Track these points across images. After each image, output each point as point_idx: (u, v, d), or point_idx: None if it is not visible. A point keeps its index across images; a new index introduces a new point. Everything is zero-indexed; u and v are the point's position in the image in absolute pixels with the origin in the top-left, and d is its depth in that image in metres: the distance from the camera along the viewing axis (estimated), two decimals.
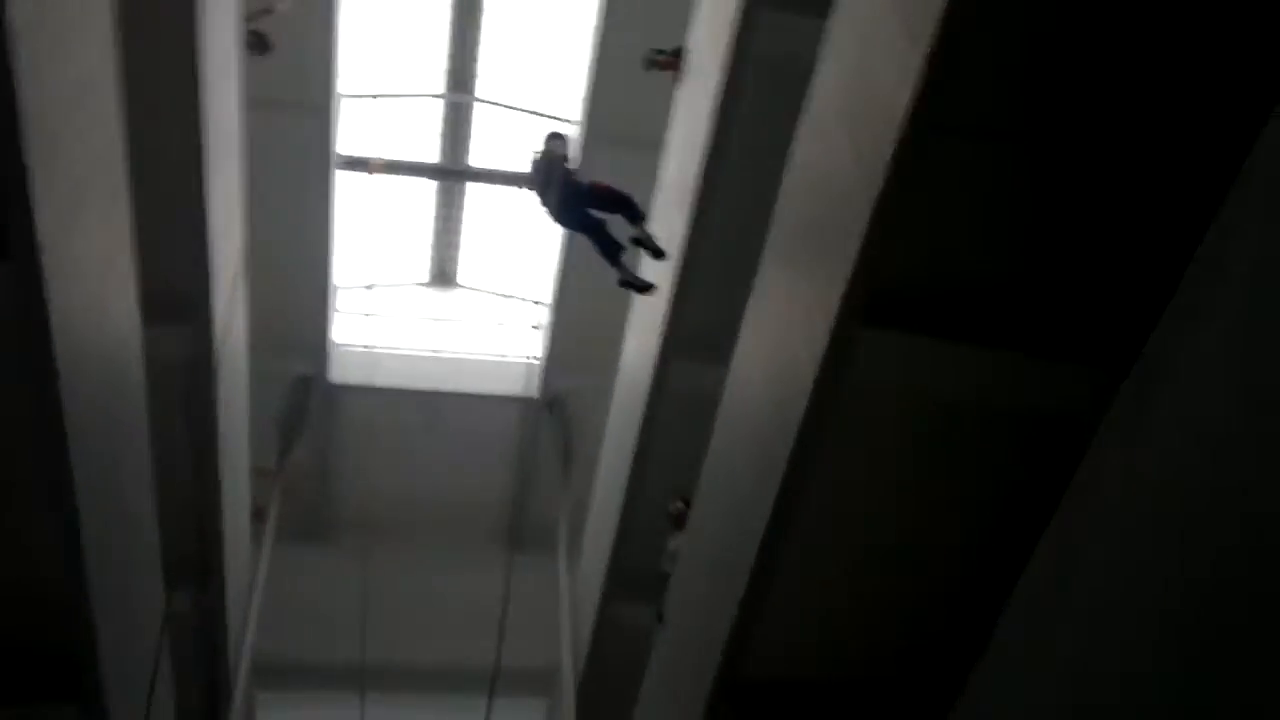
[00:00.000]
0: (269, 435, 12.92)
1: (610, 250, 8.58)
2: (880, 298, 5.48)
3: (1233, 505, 2.96)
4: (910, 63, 4.90)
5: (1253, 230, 3.19)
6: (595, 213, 8.63)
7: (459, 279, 14.50)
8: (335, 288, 12.93)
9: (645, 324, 10.41)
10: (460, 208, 13.87)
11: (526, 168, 9.04)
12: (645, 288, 8.84)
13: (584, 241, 10.46)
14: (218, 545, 9.95)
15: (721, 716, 6.70)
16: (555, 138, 8.96)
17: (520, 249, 14.07)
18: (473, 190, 13.74)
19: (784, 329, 6.35)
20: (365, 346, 13.67)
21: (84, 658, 6.37)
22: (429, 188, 13.69)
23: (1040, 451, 5.86)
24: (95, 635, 6.35)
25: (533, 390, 13.55)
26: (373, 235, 13.92)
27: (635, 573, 10.19)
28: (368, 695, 13.77)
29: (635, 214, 8.65)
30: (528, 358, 13.77)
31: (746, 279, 7.40)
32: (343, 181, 12.45)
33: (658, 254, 8.64)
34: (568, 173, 8.71)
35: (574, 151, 9.37)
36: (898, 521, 6.20)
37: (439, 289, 14.58)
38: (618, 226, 8.82)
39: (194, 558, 9.88)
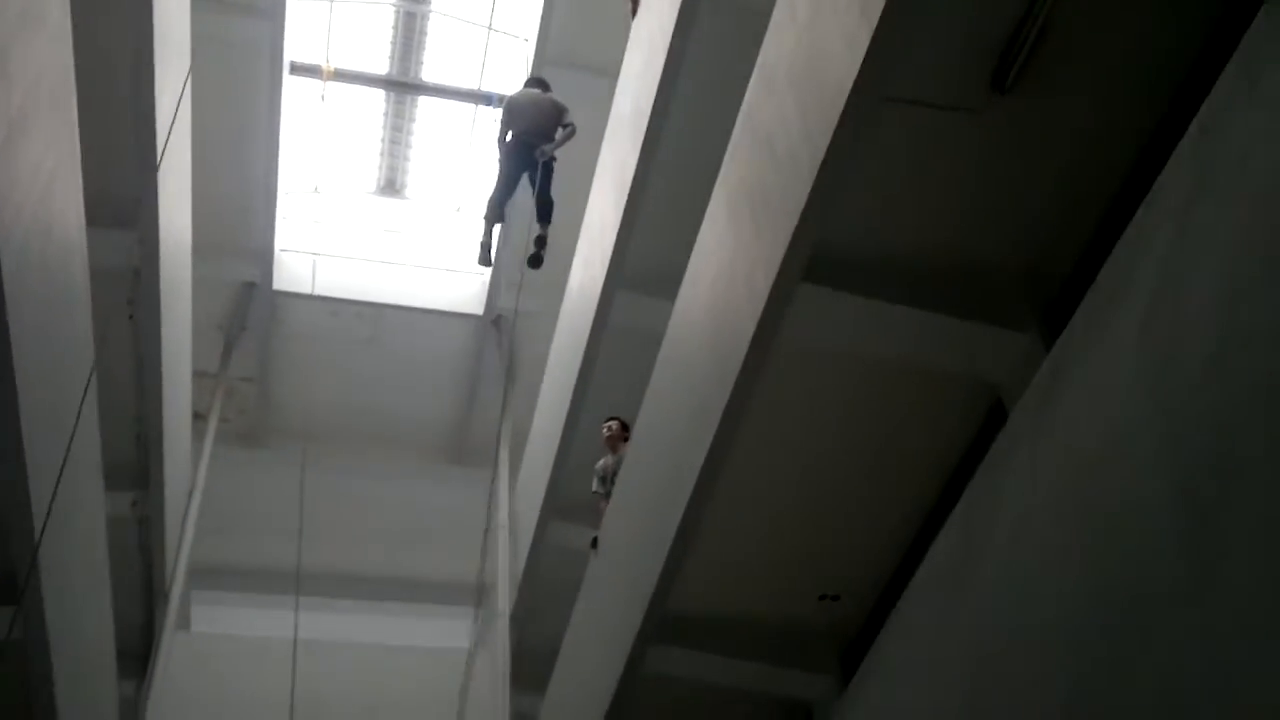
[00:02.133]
0: (212, 340, 12.92)
1: (542, 209, 9.36)
2: (821, 256, 5.64)
3: (1131, 493, 3.16)
4: (859, 36, 4.98)
5: (1169, 225, 3.35)
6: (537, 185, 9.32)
7: (407, 192, 14.42)
8: (281, 194, 12.80)
9: (592, 253, 10.49)
10: (411, 119, 13.74)
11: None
12: (536, 261, 9.50)
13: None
14: (158, 450, 10.02)
15: (650, 648, 6.97)
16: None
17: (471, 164, 14.00)
18: (425, 102, 13.60)
19: (727, 279, 6.49)
20: (311, 254, 13.59)
21: (20, 562, 6.47)
22: (379, 97, 13.54)
23: (968, 414, 6.13)
24: (34, 540, 6.45)
25: (478, 308, 13.63)
26: (321, 143, 13.76)
27: (572, 495, 10.40)
28: (303, 600, 14.03)
29: (548, 216, 9.37)
30: (476, 274, 13.78)
31: (695, 215, 7.50)
32: (292, 87, 12.27)
33: (537, 260, 9.37)
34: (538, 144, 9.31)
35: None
36: (825, 473, 6.45)
37: (388, 198, 14.50)
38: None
39: (134, 462, 9.96)
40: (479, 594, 12.75)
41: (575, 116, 10.08)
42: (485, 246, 9.47)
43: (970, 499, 4.31)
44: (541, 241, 9.31)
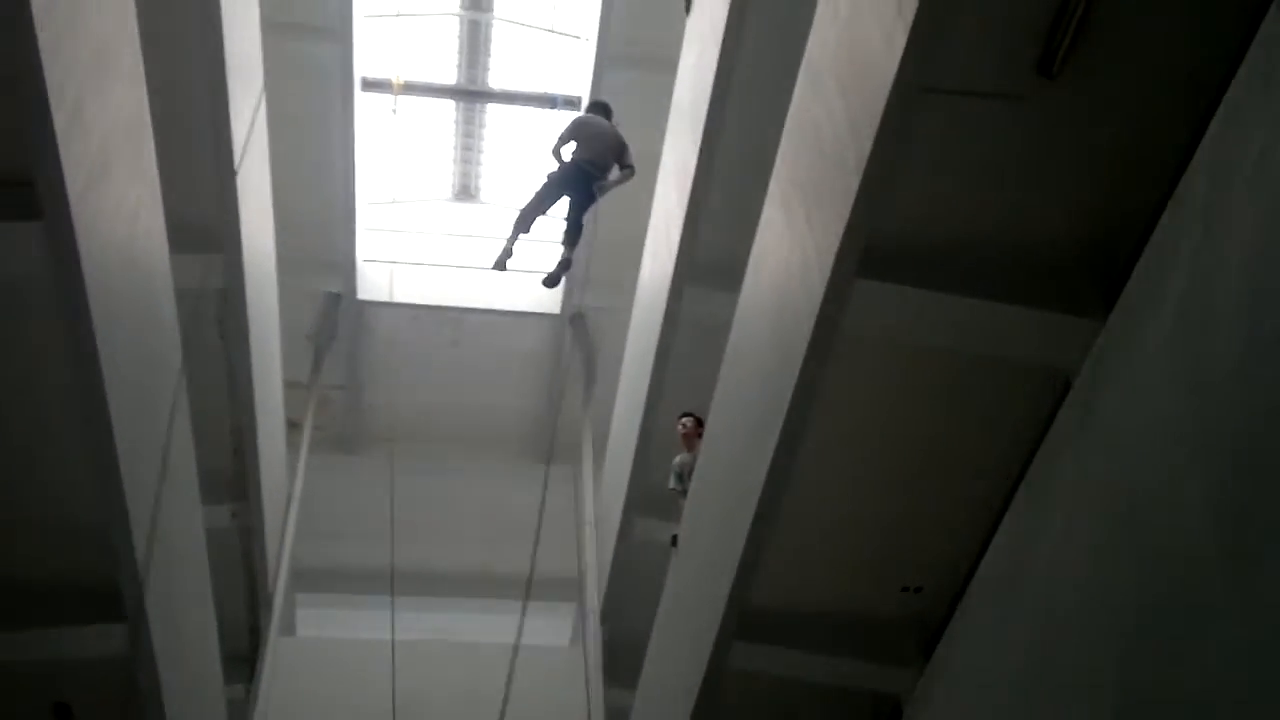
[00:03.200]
0: (303, 350, 13.34)
1: (570, 233, 9.29)
2: (875, 250, 5.66)
3: (1169, 492, 3.18)
4: (896, 30, 5.00)
5: (1196, 225, 3.34)
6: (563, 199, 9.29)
7: (481, 196, 14.67)
8: (360, 206, 13.15)
9: (659, 248, 10.59)
10: (481, 125, 13.99)
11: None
12: (552, 281, 9.68)
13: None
14: (254, 460, 10.40)
15: (733, 645, 7.04)
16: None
17: (541, 166, 14.18)
18: (493, 107, 13.84)
19: (785, 274, 6.55)
20: (392, 263, 13.95)
21: (127, 582, 6.81)
22: (449, 105, 13.80)
23: (1041, 400, 6.08)
24: (135, 559, 6.78)
25: (555, 307, 13.83)
26: (396, 154, 14.09)
27: (654, 490, 10.53)
28: (400, 599, 14.40)
29: (575, 241, 9.38)
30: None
31: (758, 206, 7.54)
32: (364, 102, 12.60)
33: (554, 281, 9.57)
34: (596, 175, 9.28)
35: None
36: (900, 464, 6.47)
37: (463, 203, 14.78)
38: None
39: (232, 474, 10.35)
40: (579, 589, 13.02)
41: (636, 112, 10.19)
42: (506, 254, 9.33)
43: (1025, 495, 4.32)
44: (566, 265, 9.35)
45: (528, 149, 14.05)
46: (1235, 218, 2.93)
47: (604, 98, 10.34)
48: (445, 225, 14.62)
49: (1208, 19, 4.90)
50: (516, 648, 10.34)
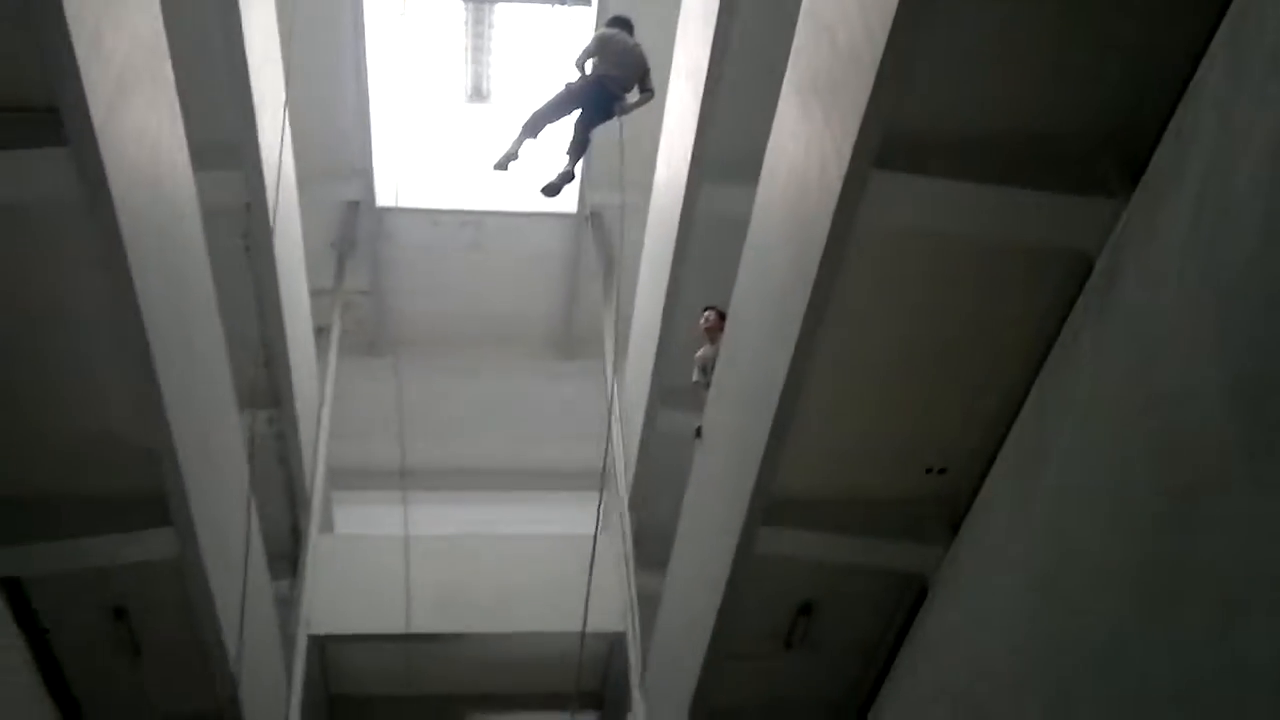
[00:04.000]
0: (326, 258, 13.49)
1: (577, 144, 9.06)
2: (892, 141, 5.69)
3: (1187, 378, 3.28)
4: None
5: (1212, 116, 3.38)
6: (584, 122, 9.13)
7: (493, 97, 14.62)
8: (374, 112, 13.13)
9: (674, 147, 10.58)
10: (490, 24, 13.87)
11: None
12: (552, 190, 9.26)
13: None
14: (285, 368, 10.63)
15: (760, 530, 7.26)
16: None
17: (551, 65, 14.10)
18: (501, 6, 13.70)
19: (801, 169, 6.60)
20: (409, 169, 13.99)
21: (173, 491, 7.07)
22: (458, 7, 13.67)
23: (1064, 282, 6.16)
24: (180, 469, 7.03)
25: (572, 206, 13.88)
26: (406, 58, 14.00)
27: (677, 383, 10.69)
28: (433, 495, 14.80)
29: (581, 154, 9.21)
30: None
31: (771, 101, 7.55)
32: (372, 6, 12.50)
33: (553, 190, 9.18)
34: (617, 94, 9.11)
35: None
36: (922, 349, 6.60)
37: (475, 104, 14.73)
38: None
39: (266, 382, 10.58)
40: (601, 481, 13.31)
41: (646, 8, 10.07)
42: (510, 156, 9.08)
43: (1043, 381, 4.44)
44: (570, 177, 9.11)
45: (537, 47, 13.95)
46: (1251, 108, 2.99)
47: (623, 13, 9.99)
48: (459, 127, 14.59)
49: None
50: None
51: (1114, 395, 3.64)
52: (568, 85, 9.18)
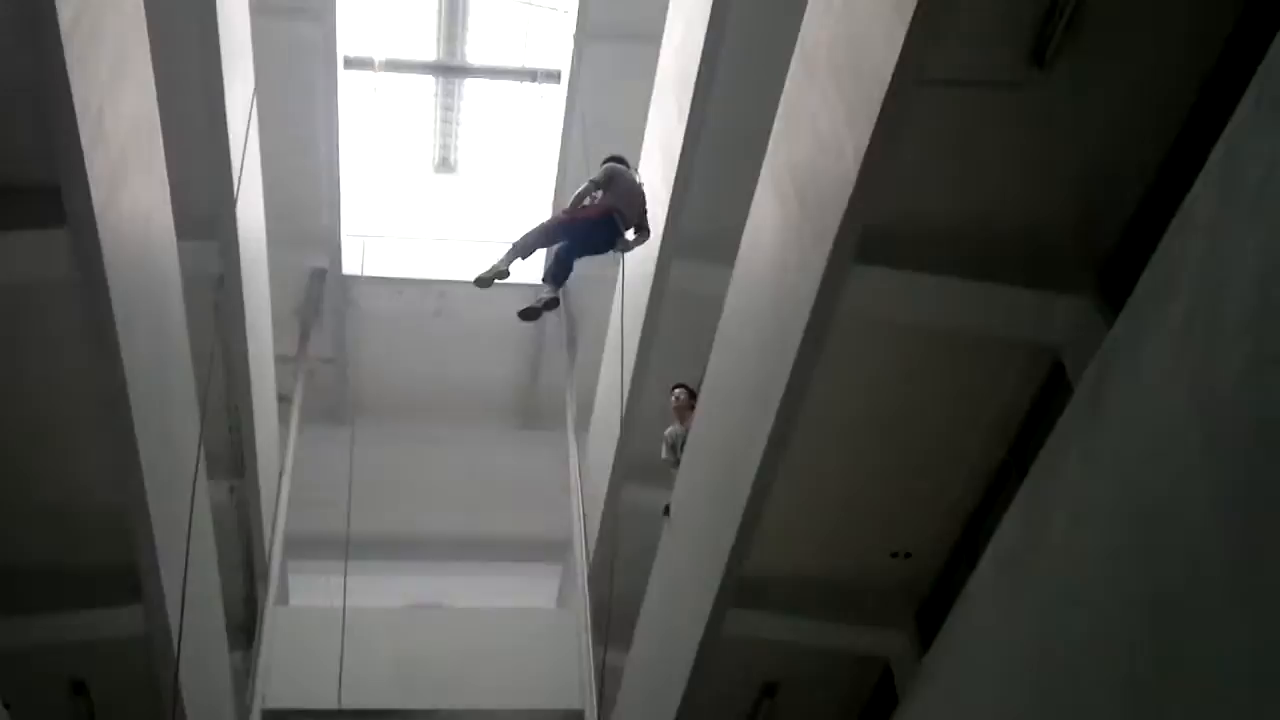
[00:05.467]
0: (290, 324, 13.48)
1: (561, 271, 8.67)
2: (871, 235, 5.89)
3: (1176, 493, 3.43)
4: (895, 25, 5.19)
5: (1200, 239, 3.58)
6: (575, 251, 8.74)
7: (460, 168, 14.80)
8: (343, 182, 13.23)
9: None
10: (460, 97, 14.08)
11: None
12: (532, 315, 8.86)
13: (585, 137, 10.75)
14: (250, 437, 10.57)
15: (729, 612, 7.34)
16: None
17: (520, 139, 14.33)
18: (471, 83, 13.93)
19: (780, 258, 6.78)
20: (375, 237, 14.07)
21: (146, 566, 7.01)
22: (429, 80, 13.88)
23: (1030, 376, 6.40)
24: (154, 544, 6.98)
25: (537, 276, 13.96)
26: (376, 129, 14.17)
27: (641, 458, 10.76)
28: (393, 562, 14.69)
29: (563, 280, 8.81)
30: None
31: (744, 180, 7.67)
32: (346, 81, 12.67)
33: (532, 314, 8.78)
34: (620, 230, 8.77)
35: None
36: (891, 436, 6.77)
37: (442, 175, 14.88)
38: None
39: (229, 451, 10.52)
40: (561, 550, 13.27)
41: (616, 85, 10.07)
42: (497, 273, 8.36)
43: (1029, 489, 4.60)
44: (553, 304, 8.64)
45: (505, 121, 14.18)
46: (1240, 236, 3.18)
47: (619, 153, 9.42)
48: (425, 197, 14.73)
49: (1195, 12, 5.15)
50: None
51: (1102, 504, 3.79)
52: (570, 211, 8.80)
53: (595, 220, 8.62)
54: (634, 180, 8.95)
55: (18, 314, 5.78)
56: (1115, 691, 3.53)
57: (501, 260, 8.38)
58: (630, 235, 8.76)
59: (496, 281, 8.31)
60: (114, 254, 5.57)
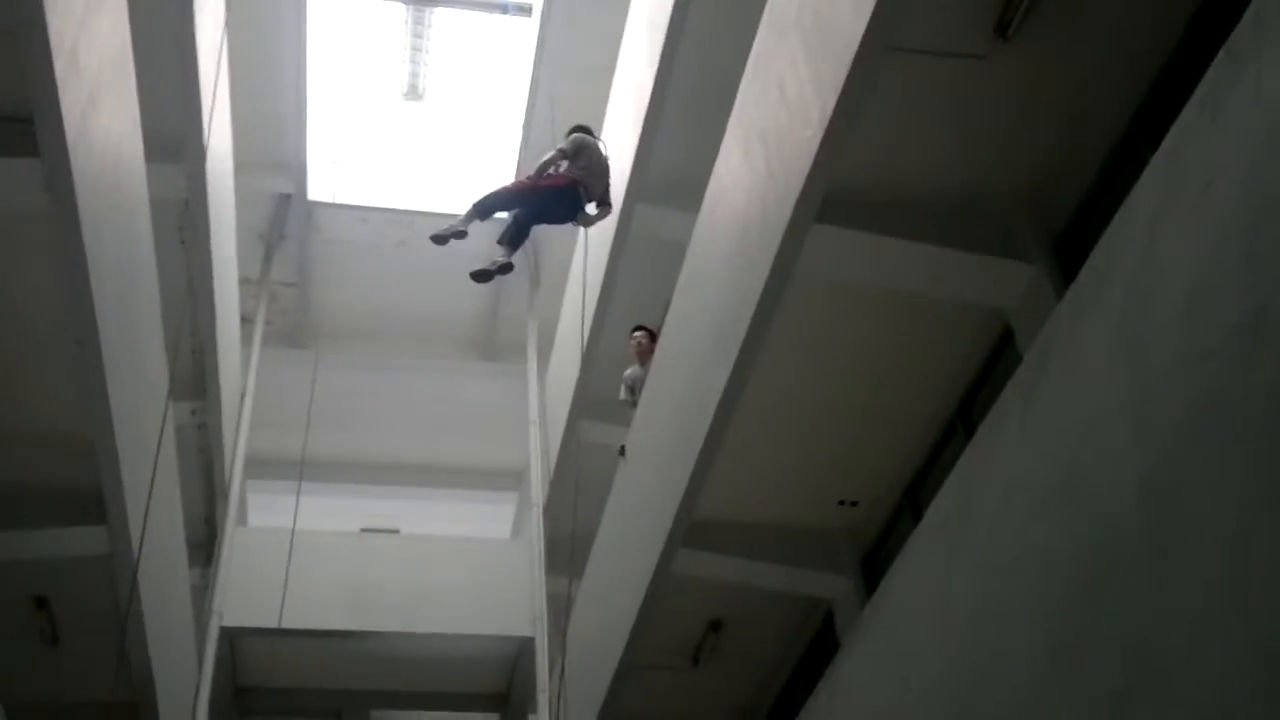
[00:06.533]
0: (254, 247, 13.49)
1: (518, 236, 8.49)
2: (833, 197, 6.05)
3: (1104, 475, 3.67)
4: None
5: (1140, 237, 3.77)
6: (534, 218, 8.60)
7: (428, 96, 14.72)
8: (311, 108, 13.16)
9: (612, 163, 10.78)
10: (429, 24, 13.97)
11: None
12: (484, 277, 8.50)
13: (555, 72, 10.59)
14: (213, 360, 10.65)
15: (678, 552, 7.60)
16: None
17: (490, 70, 14.26)
18: (442, 11, 13.82)
19: (743, 213, 6.92)
20: (342, 164, 14.04)
21: (110, 487, 7.14)
22: (399, 8, 13.77)
23: (980, 338, 6.65)
24: (119, 466, 7.10)
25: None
26: (345, 55, 14.06)
27: (600, 395, 10.96)
28: (348, 485, 14.89)
29: (519, 245, 8.58)
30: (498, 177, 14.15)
31: (711, 127, 7.77)
32: (314, 3, 12.55)
33: (484, 276, 8.46)
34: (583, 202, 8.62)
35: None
36: (844, 389, 7.01)
37: (411, 103, 14.81)
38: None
39: (192, 373, 10.59)
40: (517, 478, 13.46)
41: (589, 25, 9.95)
42: (455, 233, 8.18)
43: (970, 456, 4.83)
44: (507, 269, 8.42)
45: (474, 50, 14.10)
46: (1177, 237, 3.38)
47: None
48: (394, 125, 14.67)
49: None
50: None
51: (1036, 476, 4.03)
52: (535, 179, 8.61)
53: (559, 190, 8.47)
54: (601, 153, 8.82)
55: None
56: (1041, 652, 3.79)
57: (460, 220, 8.24)
58: (592, 209, 8.66)
59: (453, 240, 8.19)
60: (85, 182, 5.63)
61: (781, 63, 6.48)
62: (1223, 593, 2.95)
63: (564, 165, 8.57)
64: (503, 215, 8.67)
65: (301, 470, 12.84)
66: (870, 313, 6.63)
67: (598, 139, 9.03)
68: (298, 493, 12.67)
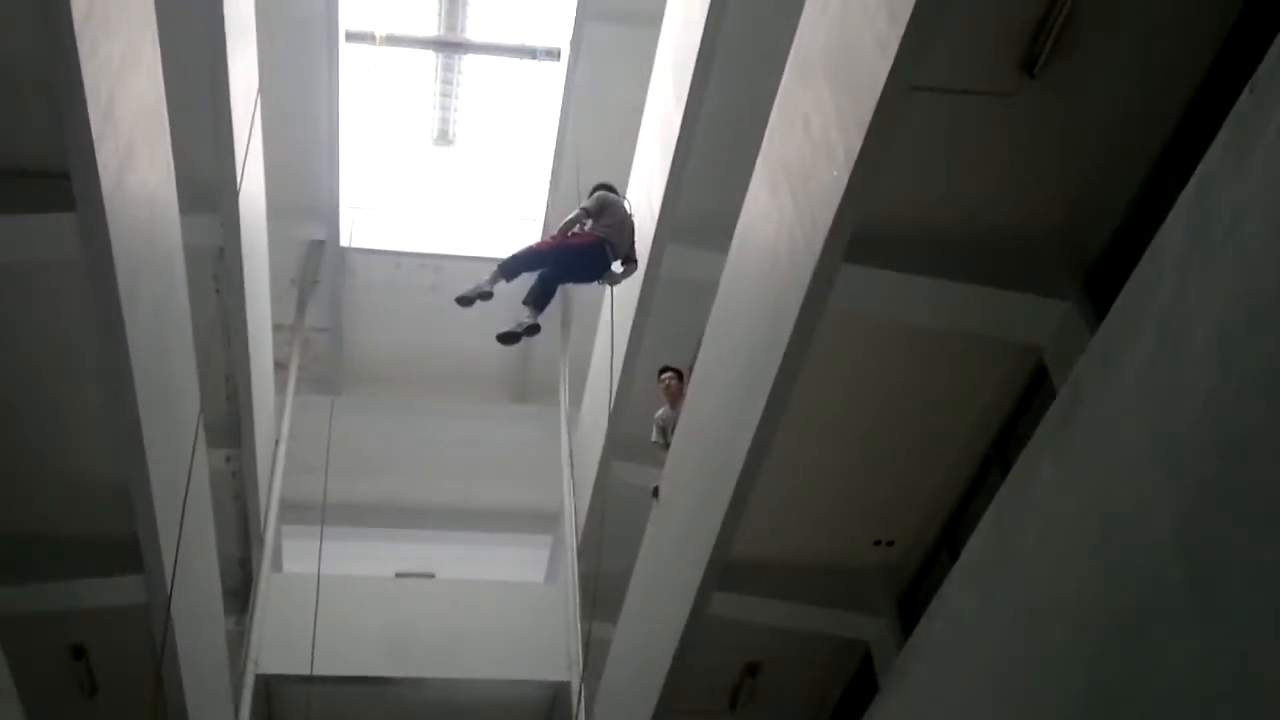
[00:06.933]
0: (287, 293, 13.63)
1: (544, 296, 8.38)
2: (861, 236, 6.03)
3: (1138, 515, 3.62)
4: (889, 34, 5.30)
5: (1171, 275, 3.72)
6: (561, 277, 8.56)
7: (459, 141, 14.86)
8: (343, 155, 13.34)
9: (640, 202, 10.82)
10: (459, 71, 14.13)
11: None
12: (511, 339, 8.37)
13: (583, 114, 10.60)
14: (248, 406, 10.72)
15: (714, 594, 7.52)
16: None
17: (519, 114, 14.39)
18: (471, 58, 13.98)
19: (772, 252, 6.91)
20: (373, 209, 14.20)
21: (146, 536, 7.17)
22: (429, 57, 13.93)
23: (1014, 375, 6.58)
24: (154, 515, 7.14)
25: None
26: (376, 102, 14.24)
27: (632, 436, 10.91)
28: (386, 530, 14.91)
29: (544, 306, 8.46)
30: (528, 220, 14.28)
31: (740, 166, 7.77)
32: (347, 54, 12.74)
33: (511, 338, 8.33)
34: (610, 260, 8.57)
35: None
36: (878, 428, 6.95)
37: (440, 148, 14.96)
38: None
39: (226, 419, 10.67)
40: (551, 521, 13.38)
41: (616, 66, 9.95)
42: (480, 294, 8.17)
43: (1005, 496, 4.78)
44: (534, 330, 8.26)
45: (503, 95, 14.24)
46: (1206, 275, 3.34)
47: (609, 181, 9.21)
48: (424, 170, 14.82)
49: (1185, 29, 5.28)
50: None
51: (1071, 516, 3.97)
52: (559, 238, 8.54)
53: (585, 248, 8.41)
54: (625, 210, 8.75)
55: (27, 295, 5.91)
56: (1080, 696, 3.72)
57: (486, 281, 8.21)
58: (618, 267, 8.60)
59: (479, 302, 8.17)
60: (120, 235, 5.70)
61: (807, 102, 6.49)
62: (1264, 634, 2.88)
63: (588, 224, 8.49)
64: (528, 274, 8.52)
65: (323, 514, 12.76)
66: (903, 350, 6.59)
67: (622, 196, 8.98)
68: (320, 538, 12.64)
